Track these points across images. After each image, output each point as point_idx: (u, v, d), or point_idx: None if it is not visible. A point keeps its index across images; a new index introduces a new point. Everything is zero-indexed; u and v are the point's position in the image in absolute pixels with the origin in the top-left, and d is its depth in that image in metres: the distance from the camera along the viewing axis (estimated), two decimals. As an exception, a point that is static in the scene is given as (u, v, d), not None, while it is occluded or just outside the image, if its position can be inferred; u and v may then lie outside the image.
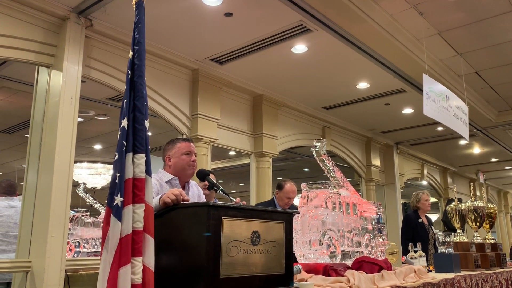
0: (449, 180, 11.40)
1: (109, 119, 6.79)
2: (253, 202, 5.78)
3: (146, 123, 1.86)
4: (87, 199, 5.74)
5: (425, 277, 3.14)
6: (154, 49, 4.67)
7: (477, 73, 5.94)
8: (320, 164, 3.29)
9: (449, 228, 9.02)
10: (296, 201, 4.13)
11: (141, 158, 1.80)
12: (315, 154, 3.26)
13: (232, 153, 7.55)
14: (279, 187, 4.37)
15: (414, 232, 5.27)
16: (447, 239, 4.23)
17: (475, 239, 4.65)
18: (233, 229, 1.86)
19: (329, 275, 2.55)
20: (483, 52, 5.33)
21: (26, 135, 3.88)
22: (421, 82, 4.57)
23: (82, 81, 3.96)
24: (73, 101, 3.68)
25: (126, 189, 1.73)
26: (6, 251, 3.90)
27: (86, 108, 6.22)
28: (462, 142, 9.19)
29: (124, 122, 1.81)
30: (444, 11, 4.45)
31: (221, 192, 2.58)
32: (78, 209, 5.58)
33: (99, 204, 5.83)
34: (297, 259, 2.87)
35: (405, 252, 4.39)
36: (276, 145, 6.23)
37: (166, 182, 2.56)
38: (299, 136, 6.86)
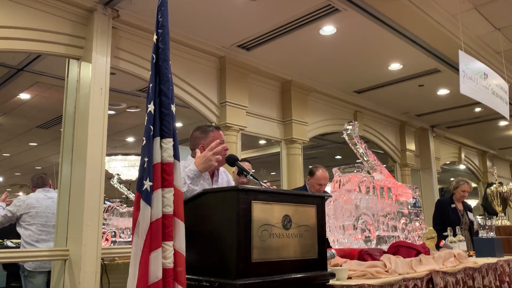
0: (489, 163, 10.99)
1: (140, 111, 6.88)
2: (284, 190, 5.74)
3: (173, 107, 1.84)
4: (122, 190, 5.87)
5: (466, 261, 3.03)
6: (180, 38, 4.67)
7: (517, 49, 5.64)
8: (352, 147, 3.21)
9: (489, 213, 8.72)
10: (329, 189, 4.06)
11: (168, 143, 1.79)
12: (346, 138, 3.18)
13: (262, 142, 7.51)
14: (310, 173, 4.31)
15: (445, 217, 5.14)
16: (488, 223, 4.06)
17: (518, 222, 4.46)
18: (264, 213, 1.83)
19: (364, 260, 2.49)
20: (524, 26, 5.04)
21: (61, 130, 3.97)
22: (456, 61, 4.37)
23: (112, 73, 4.00)
24: (103, 91, 3.73)
25: (155, 174, 1.73)
26: (45, 241, 4.03)
27: (118, 100, 6.31)
28: (502, 123, 8.81)
29: (151, 107, 1.80)
30: (480, -16, 4.23)
31: (251, 178, 2.54)
32: (113, 199, 5.69)
33: (134, 194, 5.94)
34: (330, 244, 2.81)
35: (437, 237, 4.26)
36: (306, 132, 6.15)
37: None
38: (330, 122, 6.75)
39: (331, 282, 2.05)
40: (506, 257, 3.58)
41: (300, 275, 1.91)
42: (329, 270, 2.08)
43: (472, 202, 11.28)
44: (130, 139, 8.76)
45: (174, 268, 1.68)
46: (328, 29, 4.73)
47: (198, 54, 5.00)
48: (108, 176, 4.23)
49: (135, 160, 9.37)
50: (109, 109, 3.87)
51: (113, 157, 9.17)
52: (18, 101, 6.37)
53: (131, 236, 1.72)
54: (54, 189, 4.44)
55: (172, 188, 1.75)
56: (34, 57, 4.68)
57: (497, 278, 3.15)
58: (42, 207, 4.13)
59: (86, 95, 3.71)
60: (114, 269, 4.22)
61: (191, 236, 1.86)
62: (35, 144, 9.10)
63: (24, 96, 6.16)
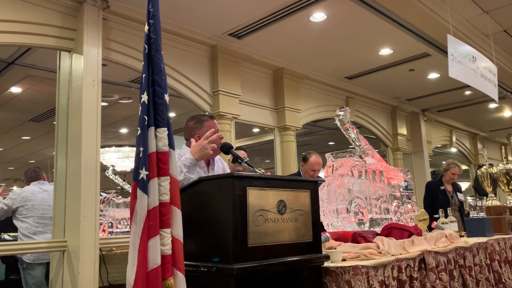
0: (480, 145, 11.12)
1: (133, 101, 6.87)
2: (279, 176, 5.78)
3: (166, 97, 1.86)
4: (117, 181, 5.88)
5: (457, 241, 3.11)
6: (171, 27, 4.66)
7: (506, 31, 5.68)
8: (344, 133, 3.25)
9: (480, 194, 8.85)
10: (322, 174, 4.11)
11: (163, 132, 1.81)
12: (338, 123, 3.22)
13: (255, 130, 7.54)
14: (304, 159, 4.36)
15: (435, 199, 5.25)
16: (479, 203, 4.15)
17: (508, 202, 4.55)
18: (259, 199, 1.87)
19: (358, 242, 2.55)
20: (512, 9, 5.08)
21: (54, 123, 3.97)
22: (446, 45, 4.41)
23: (104, 65, 3.99)
24: (95, 83, 3.73)
25: (150, 163, 1.75)
26: (43, 233, 4.06)
27: (110, 92, 6.29)
28: (492, 105, 8.90)
29: (144, 97, 1.82)
30: (468, -33, 4.25)
31: (245, 165, 2.58)
32: (109, 191, 5.72)
33: (129, 185, 5.96)
34: (324, 228, 2.87)
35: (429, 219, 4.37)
36: (299, 119, 6.18)
37: None
38: (323, 109, 6.79)
39: (326, 264, 2.10)
40: (496, 236, 3.67)
41: (296, 258, 1.96)
42: (323, 252, 2.12)
43: (464, 185, 11.42)
44: (123, 130, 8.75)
45: (173, 255, 1.72)
46: (318, 16, 4.74)
47: (189, 44, 4.99)
48: (103, 168, 4.23)
49: (129, 151, 9.36)
50: (102, 101, 3.87)
51: (106, 148, 9.16)
52: (10, 95, 6.33)
53: (129, 224, 1.76)
54: (49, 182, 4.46)
55: (168, 177, 1.78)
56: (24, 50, 4.66)
57: (488, 257, 3.24)
58: (37, 199, 4.15)
59: (78, 87, 3.71)
60: (112, 259, 4.27)
61: (188, 223, 1.90)
62: (28, 137, 9.06)
63: (16, 89, 6.12)
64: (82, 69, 3.70)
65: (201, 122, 2.68)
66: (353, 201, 2.78)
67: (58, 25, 3.78)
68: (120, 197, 5.15)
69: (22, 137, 9.03)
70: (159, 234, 1.71)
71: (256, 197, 1.85)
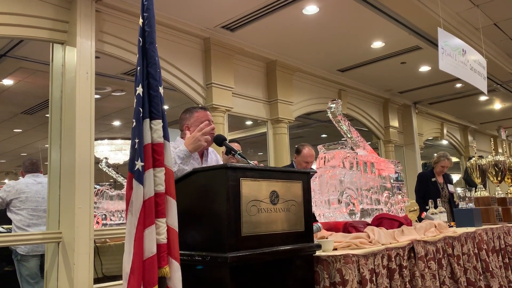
0: (470, 138, 11.23)
1: (125, 94, 6.85)
2: (272, 169, 5.81)
3: (161, 89, 1.89)
4: (110, 173, 5.89)
5: (446, 231, 3.17)
6: (164, 20, 4.65)
7: (496, 25, 5.74)
8: (336, 125, 3.29)
9: (470, 186, 8.97)
10: (314, 166, 4.16)
11: (158, 124, 1.85)
12: (330, 115, 3.26)
13: (248, 122, 7.57)
14: (297, 151, 4.40)
15: (426, 190, 5.33)
16: (468, 194, 4.23)
17: (496, 193, 4.64)
18: (252, 189, 1.90)
19: (349, 232, 2.59)
20: (502, 2, 5.13)
21: (46, 115, 3.97)
22: (436, 38, 4.46)
23: (97, 57, 3.99)
24: (88, 76, 3.73)
25: (146, 154, 1.79)
26: (37, 225, 4.08)
27: (103, 84, 6.28)
28: (482, 98, 8.99)
29: (139, 89, 1.85)
30: (459, -39, 4.29)
31: (238, 157, 2.62)
32: (102, 183, 5.73)
33: (122, 178, 5.99)
34: (316, 218, 2.92)
35: (421, 209, 4.47)
36: (292, 111, 6.22)
37: None
38: (315, 101, 6.83)
39: (318, 253, 2.14)
40: (484, 226, 3.74)
41: (288, 247, 2.00)
42: (315, 242, 2.17)
43: (455, 177, 11.54)
44: (116, 123, 8.73)
45: (168, 244, 1.76)
46: (311, 8, 4.76)
47: (182, 36, 4.99)
48: (96, 161, 4.25)
49: (122, 144, 9.35)
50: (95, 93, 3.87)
51: (99, 141, 9.14)
52: (1, 87, 6.29)
53: (125, 214, 1.79)
54: (44, 174, 4.47)
55: (163, 168, 1.82)
56: (16, 42, 4.63)
57: (476, 246, 3.31)
58: (31, 192, 4.17)
59: (72, 80, 3.71)
60: (106, 251, 4.31)
61: (183, 213, 1.94)
62: (20, 130, 9.01)
63: (7, 82, 6.08)
64: (76, 61, 3.69)
65: (191, 113, 2.74)
66: (344, 192, 2.83)
67: (50, 17, 3.76)
68: (114, 189, 5.17)
69: (14, 130, 8.97)
70: (155, 223, 1.75)
71: (249, 188, 1.89)
